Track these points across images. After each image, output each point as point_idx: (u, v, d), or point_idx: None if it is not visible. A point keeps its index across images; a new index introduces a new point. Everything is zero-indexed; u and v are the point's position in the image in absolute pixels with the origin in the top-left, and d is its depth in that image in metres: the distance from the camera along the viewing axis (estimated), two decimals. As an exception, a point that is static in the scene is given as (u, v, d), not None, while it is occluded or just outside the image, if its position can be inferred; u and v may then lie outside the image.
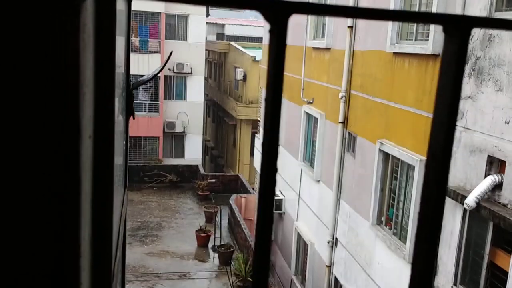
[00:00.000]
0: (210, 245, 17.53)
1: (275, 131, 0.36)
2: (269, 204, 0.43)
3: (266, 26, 0.37)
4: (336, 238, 10.90)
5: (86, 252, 0.54)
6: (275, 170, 0.42)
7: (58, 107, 0.38)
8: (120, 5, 1.23)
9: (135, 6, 24.14)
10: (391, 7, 8.50)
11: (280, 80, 0.37)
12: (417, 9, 8.05)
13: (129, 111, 1.63)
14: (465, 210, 6.36)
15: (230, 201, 19.16)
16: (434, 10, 7.28)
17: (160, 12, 25.09)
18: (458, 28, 0.38)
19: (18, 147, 0.39)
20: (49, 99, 0.38)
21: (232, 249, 16.57)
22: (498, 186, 5.89)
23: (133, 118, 1.71)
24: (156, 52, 25.14)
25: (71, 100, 0.38)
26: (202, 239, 17.48)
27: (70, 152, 0.39)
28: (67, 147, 0.39)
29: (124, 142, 1.64)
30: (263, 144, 0.40)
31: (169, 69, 25.64)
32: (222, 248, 16.48)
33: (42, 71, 0.37)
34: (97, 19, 0.52)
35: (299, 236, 13.21)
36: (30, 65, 0.37)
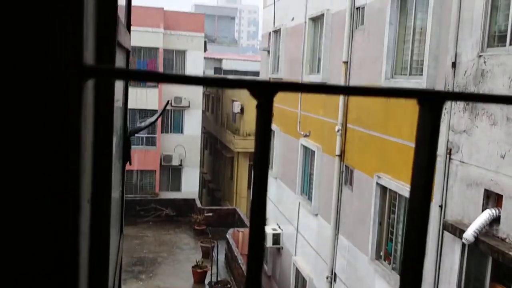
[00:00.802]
0: (206, 281, 17.24)
1: (262, 203, 0.39)
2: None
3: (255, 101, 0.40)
4: (335, 273, 10.76)
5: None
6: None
7: (58, 180, 0.40)
8: (119, 60, 1.28)
9: (133, 42, 24.51)
10: (385, 47, 8.68)
11: (267, 152, 0.40)
12: (410, 47, 8.22)
13: (126, 158, 1.66)
14: (463, 244, 6.33)
15: (227, 236, 18.97)
16: (427, 47, 7.44)
17: (158, 48, 25.49)
18: (431, 102, 0.41)
19: (16, 218, 0.41)
20: (50, 171, 0.40)
21: (229, 286, 16.29)
22: (496, 220, 5.88)
23: (130, 164, 1.74)
24: (154, 86, 25.39)
25: (71, 173, 0.41)
26: (199, 275, 17.21)
27: (69, 218, 0.41)
28: (66, 214, 0.41)
29: (121, 189, 1.67)
30: (251, 225, 0.42)
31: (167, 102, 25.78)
32: (219, 285, 16.21)
33: (44, 147, 0.40)
34: (97, 95, 0.55)
35: (297, 271, 13.03)
36: (34, 142, 0.40)
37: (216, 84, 0.37)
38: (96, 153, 0.60)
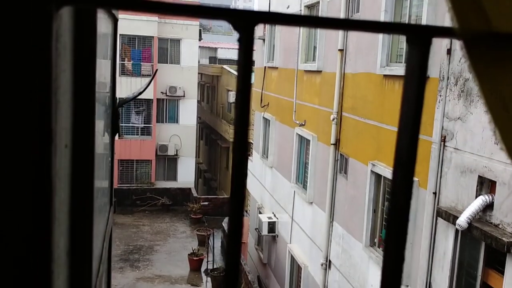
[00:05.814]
0: (203, 269, 17.32)
1: (244, 137, 0.38)
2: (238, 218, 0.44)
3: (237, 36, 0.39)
4: (330, 261, 10.82)
5: (61, 260, 0.54)
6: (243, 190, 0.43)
7: (27, 113, 0.39)
8: (106, 28, 1.25)
9: (128, 31, 24.38)
10: (380, 35, 8.63)
11: (249, 86, 0.39)
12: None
13: (115, 129, 1.64)
14: (457, 230, 6.36)
15: (223, 224, 19.03)
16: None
17: (153, 36, 25.32)
18: (420, 38, 0.39)
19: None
20: (17, 104, 0.39)
21: (225, 273, 16.37)
22: (489, 206, 5.91)
23: (119, 136, 1.73)
24: (148, 75, 25.26)
25: (41, 107, 0.39)
26: (195, 263, 17.28)
27: (41, 160, 0.39)
28: (38, 155, 0.39)
29: (110, 159, 1.65)
30: (234, 150, 0.41)
31: (161, 92, 25.74)
32: (215, 272, 16.28)
33: (10, 77, 0.38)
34: (76, 31, 0.53)
35: (292, 259, 13.10)
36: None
37: (192, 13, 0.36)
38: (77, 98, 0.58)
